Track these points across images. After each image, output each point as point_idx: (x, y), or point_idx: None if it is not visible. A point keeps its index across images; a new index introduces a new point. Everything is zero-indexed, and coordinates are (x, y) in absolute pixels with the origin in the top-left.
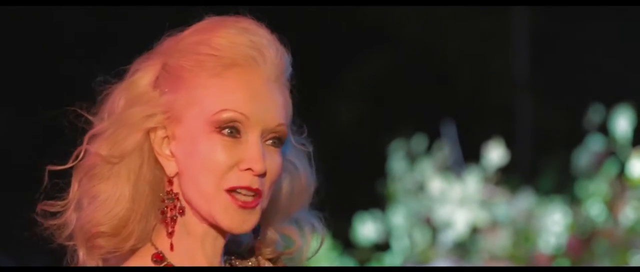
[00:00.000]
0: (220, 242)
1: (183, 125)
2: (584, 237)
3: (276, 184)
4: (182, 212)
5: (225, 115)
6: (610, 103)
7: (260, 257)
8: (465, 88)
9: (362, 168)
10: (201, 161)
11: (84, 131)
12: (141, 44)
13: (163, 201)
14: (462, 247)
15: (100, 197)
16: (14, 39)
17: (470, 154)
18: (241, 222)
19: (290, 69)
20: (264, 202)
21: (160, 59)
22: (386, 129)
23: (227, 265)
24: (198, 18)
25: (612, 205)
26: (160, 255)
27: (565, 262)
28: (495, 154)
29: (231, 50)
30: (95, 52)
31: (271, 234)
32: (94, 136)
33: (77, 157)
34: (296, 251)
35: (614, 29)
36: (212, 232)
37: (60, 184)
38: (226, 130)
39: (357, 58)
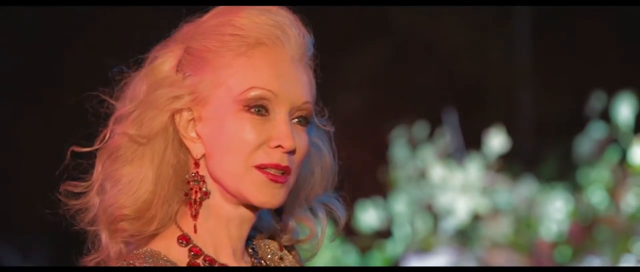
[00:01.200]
0: (246, 226)
1: (210, 106)
2: (585, 224)
3: (302, 165)
4: (207, 194)
5: (253, 93)
6: (612, 90)
7: (279, 241)
8: (466, 75)
9: (364, 155)
10: (229, 140)
11: (107, 116)
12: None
13: (188, 182)
14: (464, 234)
15: (123, 179)
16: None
17: (472, 142)
18: (271, 196)
19: (312, 49)
20: (291, 179)
21: (181, 44)
22: (388, 117)
23: (250, 250)
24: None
25: (613, 192)
26: (186, 237)
27: (567, 250)
28: (497, 141)
29: (255, 29)
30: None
31: (290, 221)
32: (119, 118)
33: (103, 139)
34: (311, 240)
35: (615, 16)
36: (238, 215)
37: (84, 165)
38: (254, 109)
39: (358, 46)
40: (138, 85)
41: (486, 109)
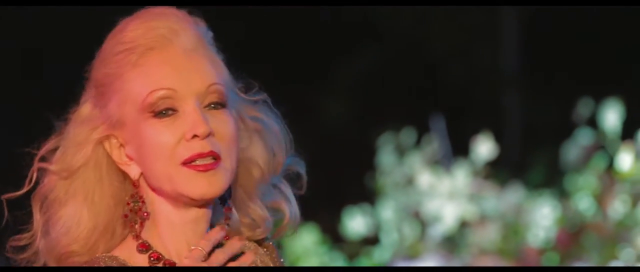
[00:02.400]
0: (202, 224)
1: (127, 126)
2: (573, 231)
3: (252, 148)
4: (147, 215)
5: (154, 95)
6: (599, 97)
7: (246, 241)
8: (454, 82)
9: (351, 162)
10: (150, 148)
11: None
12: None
13: (128, 203)
14: (451, 241)
15: (60, 222)
16: None
17: (459, 148)
18: (208, 184)
19: (209, 34)
20: (227, 163)
21: (91, 82)
22: (375, 123)
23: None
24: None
25: (601, 199)
26: (145, 244)
27: (554, 256)
28: (484, 148)
29: (141, 37)
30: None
31: (260, 211)
32: (43, 158)
33: (30, 180)
34: (289, 225)
35: (602, 23)
36: (190, 218)
37: (21, 215)
38: (160, 113)
39: (346, 52)
40: (67, 130)
41: (474, 116)
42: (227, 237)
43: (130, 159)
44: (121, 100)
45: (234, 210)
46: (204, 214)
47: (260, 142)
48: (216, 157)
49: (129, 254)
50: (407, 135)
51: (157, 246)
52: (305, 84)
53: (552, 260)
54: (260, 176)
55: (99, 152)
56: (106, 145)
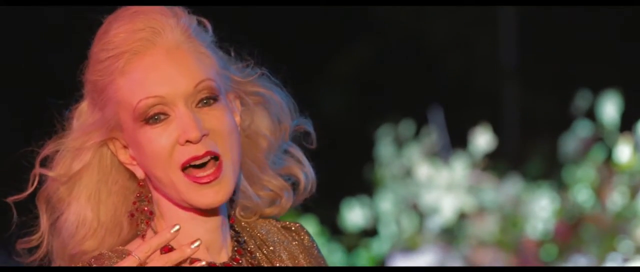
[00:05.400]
0: (213, 219)
1: (125, 131)
2: (571, 222)
3: (256, 121)
4: (151, 214)
5: (142, 105)
6: (597, 89)
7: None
8: (452, 74)
9: (349, 154)
10: (148, 155)
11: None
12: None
13: (134, 203)
14: (450, 233)
15: (66, 224)
16: None
17: (458, 140)
18: (214, 194)
19: (193, 21)
20: (227, 158)
21: (86, 84)
22: (373, 115)
23: (234, 241)
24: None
25: (599, 190)
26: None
27: (552, 248)
28: (483, 139)
29: (124, 43)
30: None
31: (275, 180)
32: (45, 160)
33: (33, 182)
34: (305, 187)
35: (600, 15)
36: (197, 214)
37: (27, 220)
38: (152, 119)
39: (344, 44)
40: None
41: (472, 108)
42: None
43: (135, 160)
44: (115, 107)
45: (250, 190)
46: (217, 208)
47: (263, 112)
48: (215, 157)
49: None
50: (406, 127)
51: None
52: (303, 76)
53: (551, 252)
54: (268, 144)
55: (102, 153)
56: (111, 146)
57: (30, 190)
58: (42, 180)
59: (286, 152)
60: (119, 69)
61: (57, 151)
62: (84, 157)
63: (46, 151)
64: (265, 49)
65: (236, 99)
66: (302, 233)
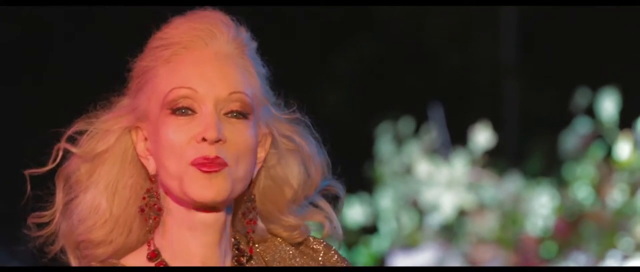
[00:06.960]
0: (212, 232)
1: (149, 120)
2: (571, 219)
3: (285, 167)
4: (160, 209)
5: (174, 93)
6: (597, 86)
7: (279, 240)
8: (452, 71)
9: (349, 151)
10: (164, 145)
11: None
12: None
13: (144, 198)
14: (449, 230)
15: (79, 208)
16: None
17: (458, 137)
18: (208, 186)
19: (253, 44)
20: (232, 170)
21: (133, 70)
22: (373, 112)
23: (234, 262)
24: None
25: (599, 188)
26: (155, 253)
27: (552, 245)
28: (483, 137)
29: (178, 36)
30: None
31: (294, 220)
32: (71, 137)
33: (55, 157)
34: (331, 231)
35: (600, 13)
36: (199, 220)
37: (43, 195)
38: (179, 111)
39: (344, 41)
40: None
41: (472, 105)
42: (251, 250)
43: (150, 153)
44: (148, 93)
45: (259, 222)
46: (215, 220)
47: (293, 161)
48: (222, 164)
49: (137, 261)
50: (406, 124)
51: (167, 255)
52: (303, 72)
53: (551, 249)
54: (293, 195)
55: (126, 141)
56: (134, 135)
57: (50, 165)
58: (62, 160)
59: (313, 204)
60: (164, 57)
61: (85, 131)
62: (110, 139)
63: (75, 127)
64: (265, 47)
65: (268, 135)
66: (331, 252)
